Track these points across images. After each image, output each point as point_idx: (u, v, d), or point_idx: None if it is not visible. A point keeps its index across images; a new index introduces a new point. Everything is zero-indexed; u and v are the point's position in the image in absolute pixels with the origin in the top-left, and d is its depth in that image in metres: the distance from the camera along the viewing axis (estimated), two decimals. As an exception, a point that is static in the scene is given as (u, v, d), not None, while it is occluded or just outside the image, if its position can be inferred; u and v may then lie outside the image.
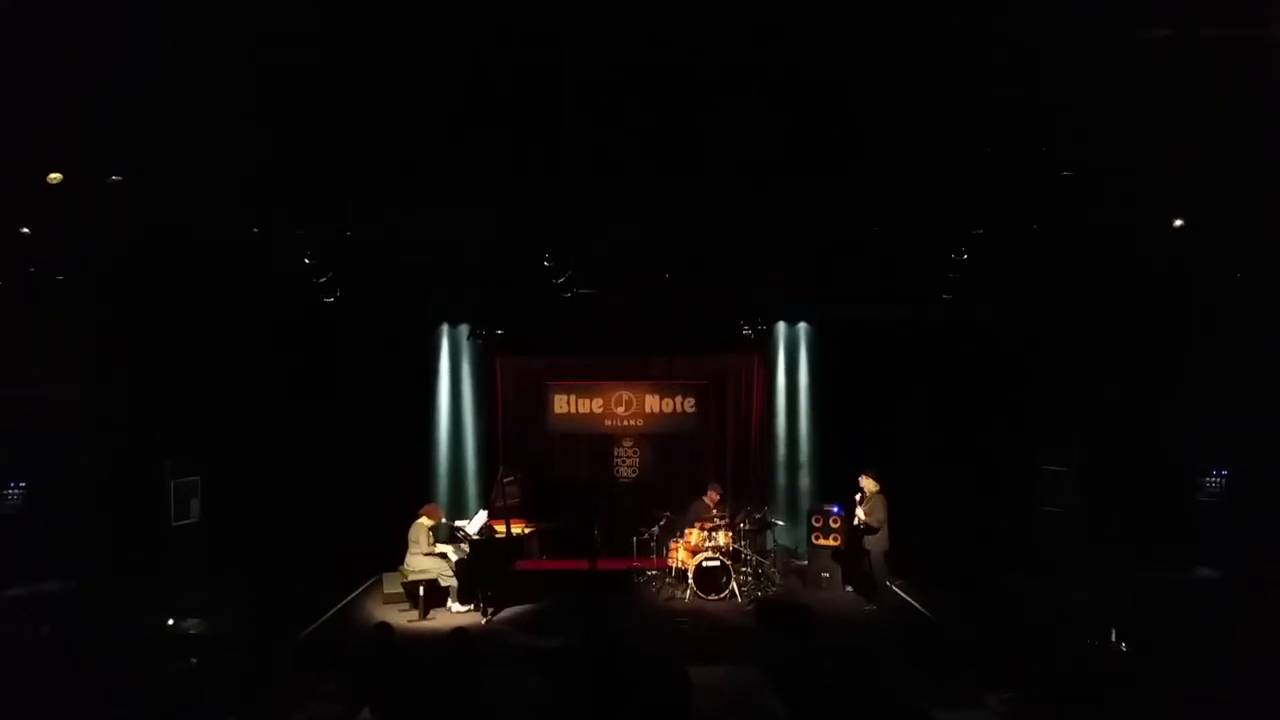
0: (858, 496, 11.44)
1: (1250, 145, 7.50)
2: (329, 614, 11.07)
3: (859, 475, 11.49)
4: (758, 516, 12.70)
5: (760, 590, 12.08)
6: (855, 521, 11.50)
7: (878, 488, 11.31)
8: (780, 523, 13.28)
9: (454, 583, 11.08)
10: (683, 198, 9.27)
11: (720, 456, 14.84)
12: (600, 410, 14.90)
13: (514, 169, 8.68)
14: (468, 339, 14.21)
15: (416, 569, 10.92)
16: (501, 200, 9.49)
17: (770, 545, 13.36)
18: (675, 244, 10.71)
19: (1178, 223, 9.39)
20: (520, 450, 14.54)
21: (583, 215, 9.90)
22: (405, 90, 7.30)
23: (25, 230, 9.10)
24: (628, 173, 8.64)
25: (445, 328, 14.26)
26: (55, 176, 7.93)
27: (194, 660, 8.19)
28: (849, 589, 12.30)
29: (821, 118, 7.72)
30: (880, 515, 11.12)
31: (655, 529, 12.58)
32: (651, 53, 6.81)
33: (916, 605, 11.50)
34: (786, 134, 7.98)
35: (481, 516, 11.68)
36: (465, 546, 11.30)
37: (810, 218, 9.86)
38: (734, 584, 11.62)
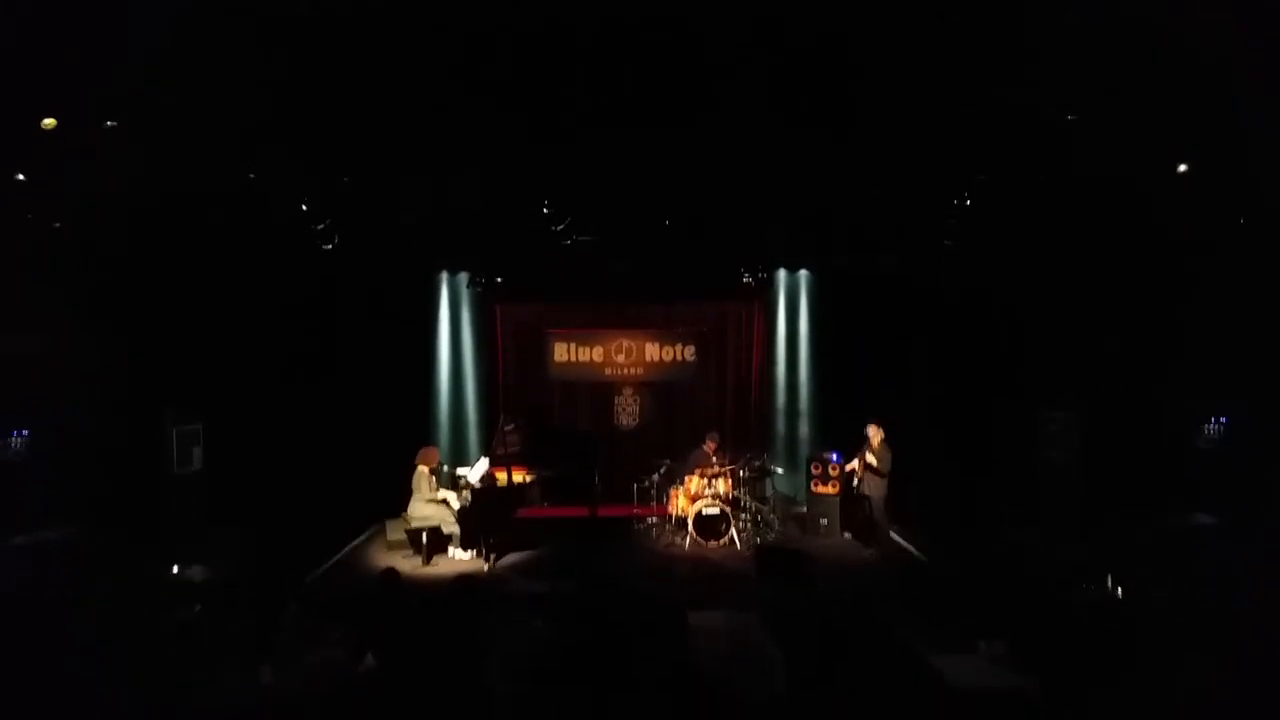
0: (864, 446, 11.49)
1: (1248, 94, 7.43)
2: (333, 560, 11.18)
3: (866, 425, 11.52)
4: (757, 464, 12.78)
5: (759, 537, 12.17)
6: (859, 464, 11.56)
7: (884, 436, 11.36)
8: (779, 470, 13.37)
9: (456, 530, 11.16)
10: (682, 145, 9.19)
11: (720, 404, 14.90)
12: (600, 358, 14.92)
13: (513, 118, 8.59)
14: (467, 287, 14.18)
15: (419, 516, 11.00)
16: (500, 148, 9.40)
17: (769, 492, 13.46)
18: (675, 191, 10.63)
19: (1182, 168, 9.31)
20: (521, 398, 14.57)
21: (582, 162, 9.82)
22: (405, 39, 7.21)
23: (20, 177, 9.01)
24: (628, 119, 8.55)
25: (445, 275, 14.24)
26: (49, 122, 7.85)
27: (198, 607, 8.26)
28: (847, 535, 12.41)
29: (822, 67, 7.64)
30: (888, 461, 11.19)
31: (655, 477, 12.66)
32: (651, 4, 6.72)
33: (914, 551, 11.60)
34: (787, 83, 7.89)
35: (483, 464, 11.74)
36: (467, 494, 11.37)
37: (811, 165, 9.78)
38: (733, 531, 11.71)
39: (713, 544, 11.65)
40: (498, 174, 10.15)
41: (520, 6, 6.81)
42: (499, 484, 11.46)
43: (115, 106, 7.94)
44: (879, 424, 11.43)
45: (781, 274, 14.42)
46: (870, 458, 11.31)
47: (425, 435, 13.29)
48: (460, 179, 10.28)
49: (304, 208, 10.78)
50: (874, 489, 11.29)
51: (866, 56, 7.54)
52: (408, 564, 10.81)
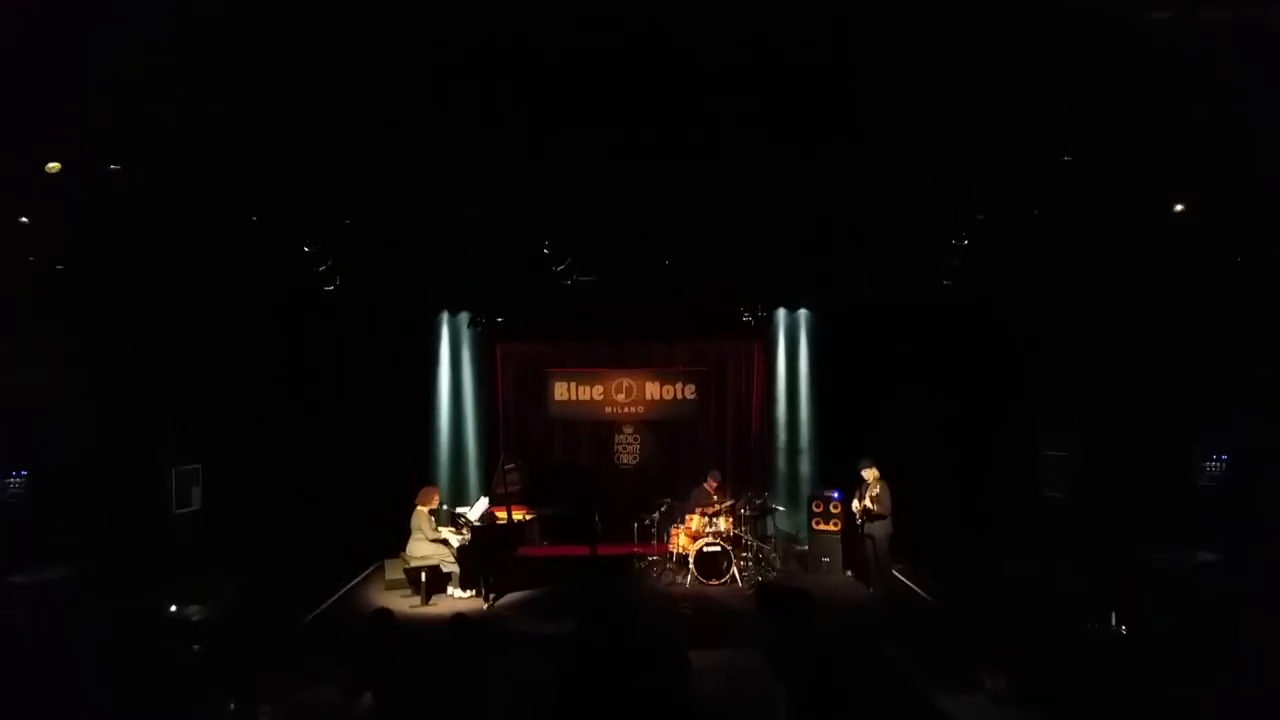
0: (862, 486, 11.44)
1: (1251, 126, 7.48)
2: (331, 600, 11.12)
3: (860, 464, 11.48)
4: (758, 502, 12.75)
5: (761, 575, 12.12)
6: (858, 508, 11.50)
7: (879, 475, 11.31)
8: (780, 508, 13.33)
9: (456, 569, 11.12)
10: (682, 184, 9.25)
11: (720, 442, 14.87)
12: (601, 397, 14.92)
13: (515, 158, 8.66)
14: (468, 326, 14.23)
15: (419, 555, 10.96)
16: (501, 189, 9.47)
17: (771, 531, 13.42)
18: (675, 231, 10.69)
19: (1178, 208, 9.37)
20: (521, 437, 14.59)
21: (582, 203, 9.89)
22: (405, 77, 7.28)
23: (24, 220, 9.08)
24: (627, 160, 8.62)
25: (445, 315, 14.29)
26: (54, 166, 7.91)
27: (196, 647, 8.22)
28: (849, 573, 12.35)
29: (821, 103, 7.70)
30: (887, 502, 11.13)
31: (656, 515, 12.64)
32: (650, 38, 6.78)
33: (917, 590, 11.54)
34: (786, 119, 7.95)
35: (483, 503, 11.72)
36: (467, 533, 11.34)
37: (810, 204, 9.84)
38: (734, 569, 11.66)
39: (714, 582, 11.59)
40: (499, 214, 10.22)
41: (520, 46, 6.88)
42: (499, 523, 11.43)
43: (114, 138, 7.98)
44: (874, 464, 11.38)
45: (781, 313, 14.47)
46: (869, 501, 11.25)
47: (425, 475, 13.25)
48: (461, 219, 10.34)
49: (305, 249, 10.83)
50: (877, 529, 11.22)
51: (867, 94, 7.60)
52: (406, 603, 10.76)
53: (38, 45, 6.42)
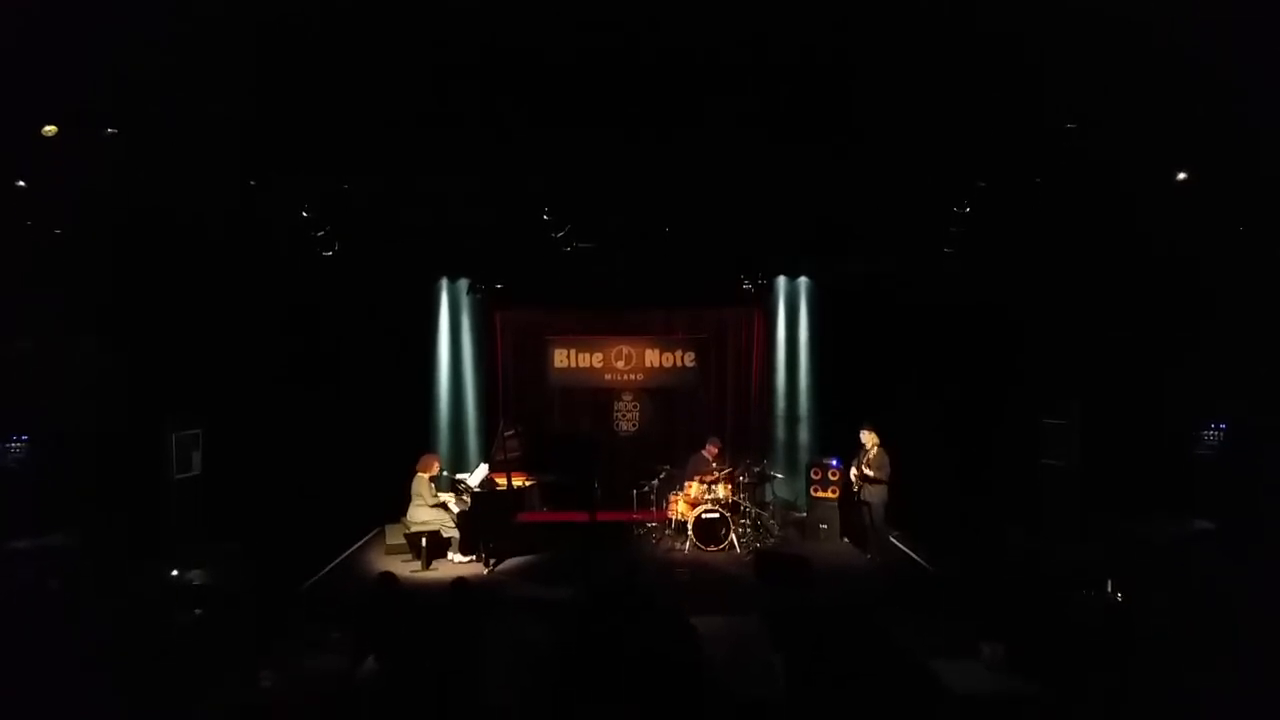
0: (860, 451, 11.47)
1: (1248, 99, 7.45)
2: (332, 565, 11.17)
3: (859, 429, 11.52)
4: (757, 469, 12.78)
5: (759, 542, 12.18)
6: (855, 474, 11.54)
7: (878, 440, 11.34)
8: (779, 475, 13.37)
9: (456, 534, 11.17)
10: (683, 152, 9.20)
11: (720, 410, 14.88)
12: (600, 364, 14.93)
13: (514, 125, 8.61)
14: (467, 293, 14.20)
15: (419, 521, 11.00)
16: (500, 155, 9.42)
17: (769, 498, 13.48)
18: (675, 198, 10.64)
19: (1181, 176, 9.33)
20: (521, 404, 14.60)
21: (582, 169, 9.84)
22: (404, 43, 7.23)
23: (21, 184, 9.03)
24: (629, 126, 8.57)
25: (445, 281, 14.25)
26: (50, 129, 7.88)
27: (198, 612, 8.27)
28: (846, 540, 12.42)
29: (823, 74, 7.66)
30: (885, 468, 11.17)
31: (655, 482, 12.67)
32: (651, 13, 6.74)
33: (914, 556, 11.60)
34: (787, 90, 7.91)
35: (483, 469, 11.76)
36: (467, 498, 11.38)
37: (811, 172, 9.80)
38: (733, 536, 11.72)
39: (712, 549, 11.65)
40: (497, 181, 10.17)
41: (522, 17, 6.83)
42: (499, 489, 11.47)
43: (115, 111, 7.96)
44: (873, 429, 11.41)
45: (781, 280, 14.43)
46: (866, 467, 11.28)
47: (425, 441, 13.28)
48: (460, 186, 10.29)
49: (304, 215, 10.79)
50: (874, 495, 11.27)
51: (867, 63, 7.55)
52: (407, 568, 10.81)
53: (36, 15, 6.39)
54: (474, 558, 11.15)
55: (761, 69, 7.48)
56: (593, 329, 14.98)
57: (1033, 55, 7.10)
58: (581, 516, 11.77)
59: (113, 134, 8.23)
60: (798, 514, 13.46)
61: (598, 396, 15.00)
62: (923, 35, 7.02)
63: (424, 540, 10.96)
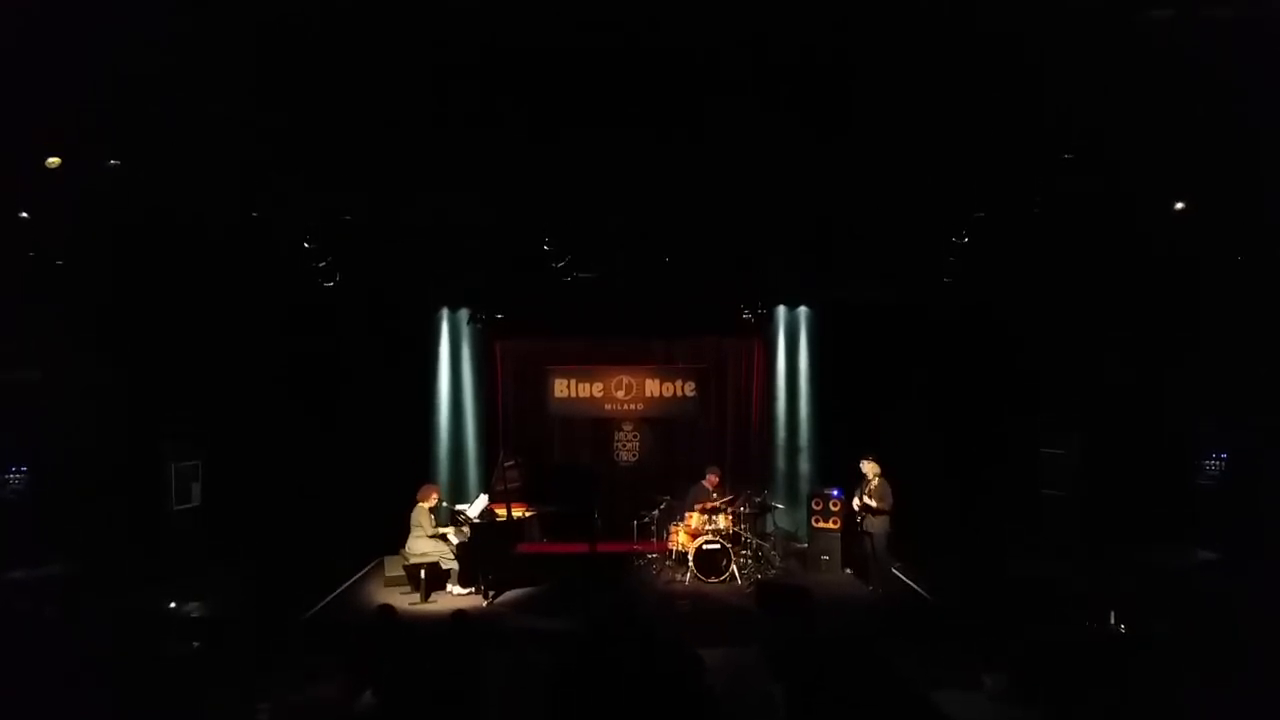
0: (862, 482, 11.45)
1: (1251, 123, 7.48)
2: (331, 597, 11.11)
3: (860, 460, 11.50)
4: (757, 500, 12.74)
5: (760, 573, 12.12)
6: (857, 504, 11.51)
7: (879, 471, 11.32)
8: (780, 506, 13.33)
9: (455, 566, 11.12)
10: (681, 181, 9.25)
11: (720, 440, 14.85)
12: (600, 394, 14.92)
13: (513, 153, 8.65)
14: (468, 323, 14.22)
15: (418, 552, 10.95)
16: (501, 184, 9.46)
17: (770, 528, 13.42)
18: (675, 227, 10.69)
19: (1178, 205, 9.37)
20: (520, 434, 14.57)
21: (582, 199, 9.88)
22: (405, 73, 7.28)
23: (24, 215, 9.08)
24: (628, 155, 8.61)
25: (445, 312, 14.27)
26: (54, 161, 7.92)
27: (196, 644, 8.22)
28: (848, 571, 12.36)
29: (821, 98, 7.69)
30: (888, 498, 11.15)
31: (655, 512, 12.63)
32: (650, 34, 6.77)
33: (916, 587, 11.53)
34: (785, 115, 7.95)
35: (482, 500, 11.72)
36: (466, 530, 11.34)
37: (810, 199, 9.84)
38: (734, 566, 11.66)
39: (713, 580, 11.59)
40: (498, 211, 10.21)
41: (519, 38, 6.87)
42: (498, 520, 11.43)
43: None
44: (874, 459, 11.40)
45: (781, 310, 14.46)
46: (868, 497, 11.26)
47: (425, 472, 13.26)
48: (461, 216, 10.34)
49: (306, 245, 10.83)
50: (876, 526, 11.23)
51: (866, 87, 7.59)
52: (406, 600, 10.75)
53: (37, 37, 6.42)
54: (473, 589, 11.09)
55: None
56: (593, 359, 14.99)
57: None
58: (582, 547, 11.72)
59: (115, 165, 8.28)
60: (799, 545, 13.40)
61: (598, 426, 14.98)
62: (920, 56, 7.04)
63: (423, 572, 10.91)
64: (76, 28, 6.34)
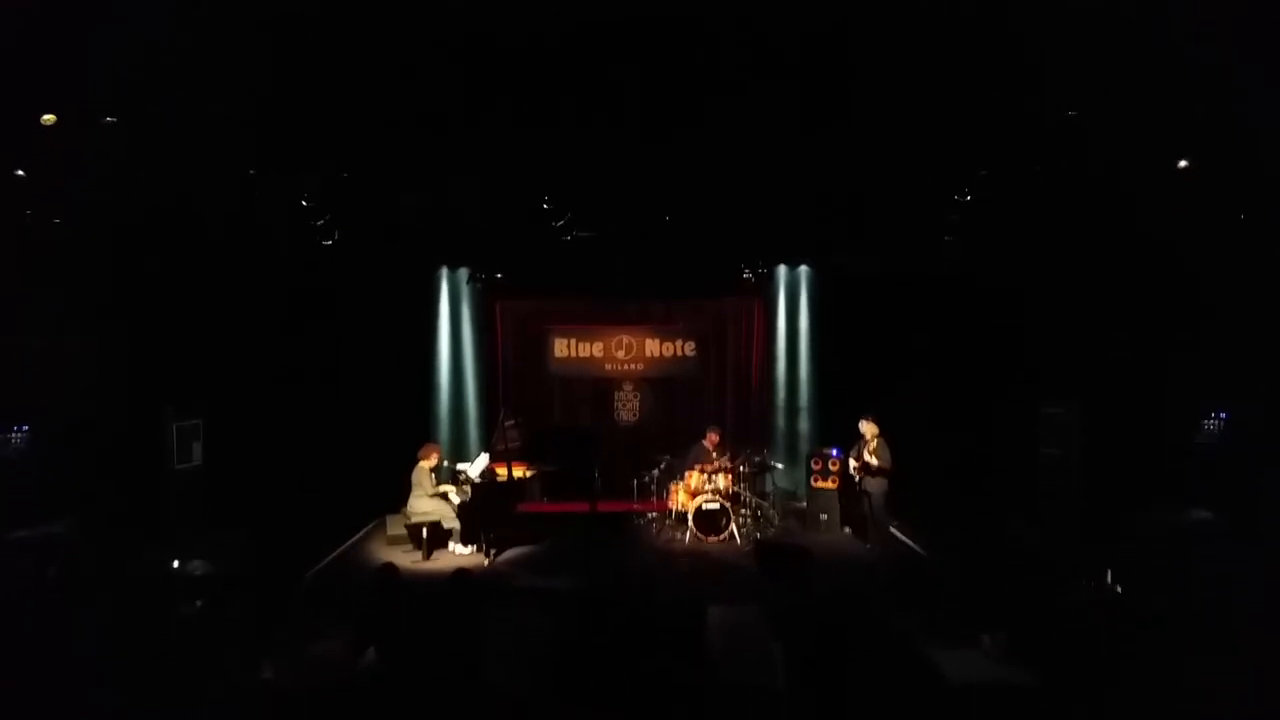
0: (861, 441, 11.47)
1: (1250, 89, 7.44)
2: (333, 556, 11.18)
3: (859, 420, 11.51)
4: (757, 459, 12.77)
5: (759, 532, 12.18)
6: (854, 465, 11.54)
7: (878, 431, 11.33)
8: (779, 465, 13.38)
9: (456, 525, 11.17)
10: (683, 141, 9.19)
11: (720, 400, 14.88)
12: (600, 354, 14.92)
13: (514, 114, 8.59)
14: (467, 283, 14.18)
15: (419, 511, 11.00)
16: (500, 145, 9.39)
17: (769, 488, 13.47)
18: (676, 187, 10.62)
19: (1182, 164, 9.31)
20: (521, 393, 14.58)
21: (582, 159, 9.81)
22: (404, 34, 7.21)
23: (20, 173, 9.01)
24: (629, 116, 8.55)
25: (445, 271, 14.23)
26: (49, 118, 7.86)
27: (198, 603, 8.27)
28: (847, 530, 12.42)
29: (823, 62, 7.64)
30: (887, 457, 11.17)
31: (655, 472, 12.67)
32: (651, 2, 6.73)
33: (914, 546, 11.60)
34: (787, 78, 7.89)
35: (483, 459, 11.75)
36: (467, 489, 11.38)
37: (812, 161, 9.78)
38: (733, 526, 11.72)
39: (712, 539, 11.65)
40: (498, 170, 10.15)
41: (520, 6, 6.81)
42: (499, 479, 11.47)
43: (113, 103, 7.93)
44: (873, 419, 11.41)
45: (782, 270, 14.43)
46: (867, 456, 11.28)
47: (426, 431, 13.28)
48: (460, 175, 10.27)
49: (304, 204, 10.77)
50: (874, 485, 11.27)
51: (867, 51, 7.53)
52: (408, 559, 10.81)
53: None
54: (475, 548, 11.16)
55: (763, 52, 7.44)
56: (593, 318, 14.97)
57: (1033, 44, 7.08)
58: (582, 507, 11.76)
59: (112, 122, 8.21)
60: (798, 504, 13.48)
61: (598, 386, 15.00)
62: (922, 23, 6.99)
63: (425, 531, 10.97)
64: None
